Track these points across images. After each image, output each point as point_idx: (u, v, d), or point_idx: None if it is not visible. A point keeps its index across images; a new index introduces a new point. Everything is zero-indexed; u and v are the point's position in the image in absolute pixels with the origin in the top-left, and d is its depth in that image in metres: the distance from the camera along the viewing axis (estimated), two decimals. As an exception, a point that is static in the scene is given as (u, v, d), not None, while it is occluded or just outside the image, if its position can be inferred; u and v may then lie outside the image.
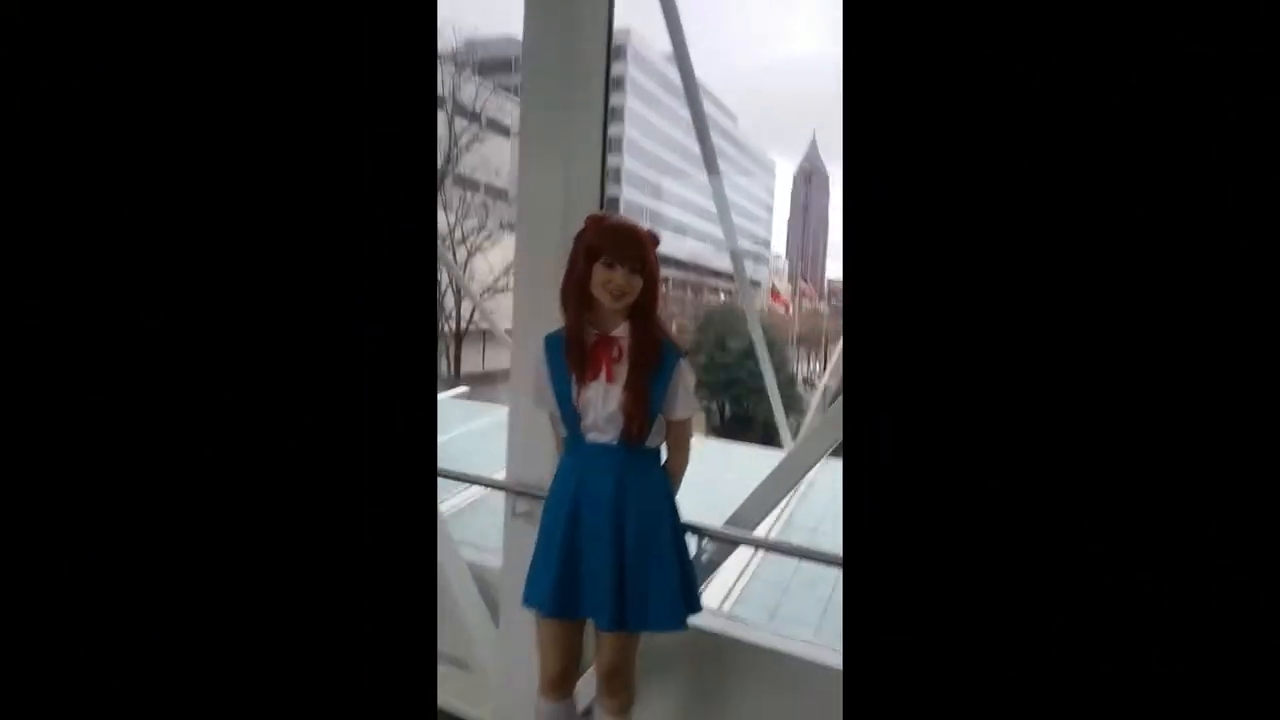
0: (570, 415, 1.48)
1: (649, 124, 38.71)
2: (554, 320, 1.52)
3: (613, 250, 1.42)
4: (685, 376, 1.51)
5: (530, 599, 1.53)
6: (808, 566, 2.78)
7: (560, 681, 1.57)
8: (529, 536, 1.64)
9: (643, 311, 1.47)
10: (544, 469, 1.79)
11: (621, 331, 1.48)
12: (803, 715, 1.71)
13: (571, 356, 1.46)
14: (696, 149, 4.40)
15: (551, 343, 1.51)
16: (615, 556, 1.46)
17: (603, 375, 1.45)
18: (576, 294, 1.47)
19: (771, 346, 6.42)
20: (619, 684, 1.54)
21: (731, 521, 1.72)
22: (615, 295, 1.42)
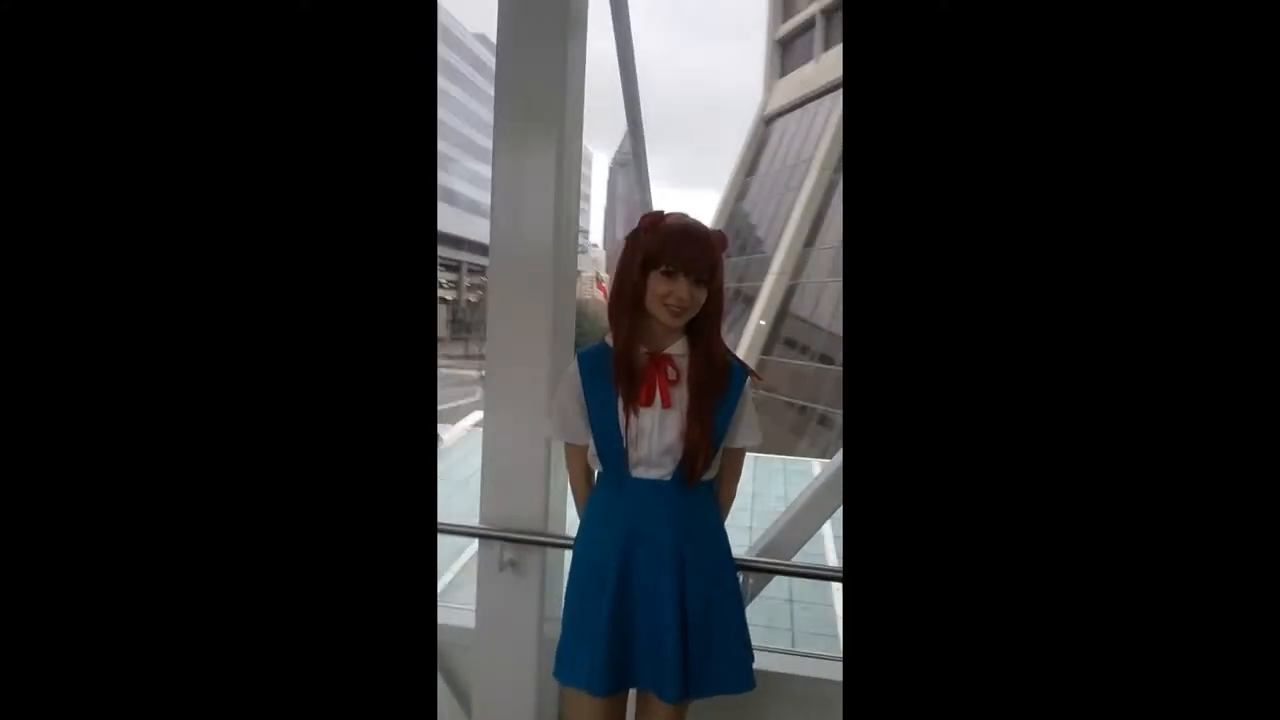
0: (615, 448, 1.23)
1: (458, 104, 37.46)
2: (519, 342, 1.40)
3: (675, 258, 1.18)
4: (750, 400, 1.30)
5: (571, 677, 1.26)
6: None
7: None
8: (514, 589, 1.49)
9: (706, 326, 1.25)
10: (530, 508, 1.58)
11: (678, 349, 1.25)
12: None
13: (621, 378, 1.21)
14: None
15: (588, 361, 1.26)
16: (678, 616, 1.22)
17: (658, 400, 1.22)
18: (631, 308, 1.22)
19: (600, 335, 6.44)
20: None
21: (768, 551, 1.54)
22: (676, 311, 1.19)
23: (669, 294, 1.19)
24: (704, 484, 1.28)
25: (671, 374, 1.23)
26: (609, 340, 1.27)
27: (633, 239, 1.23)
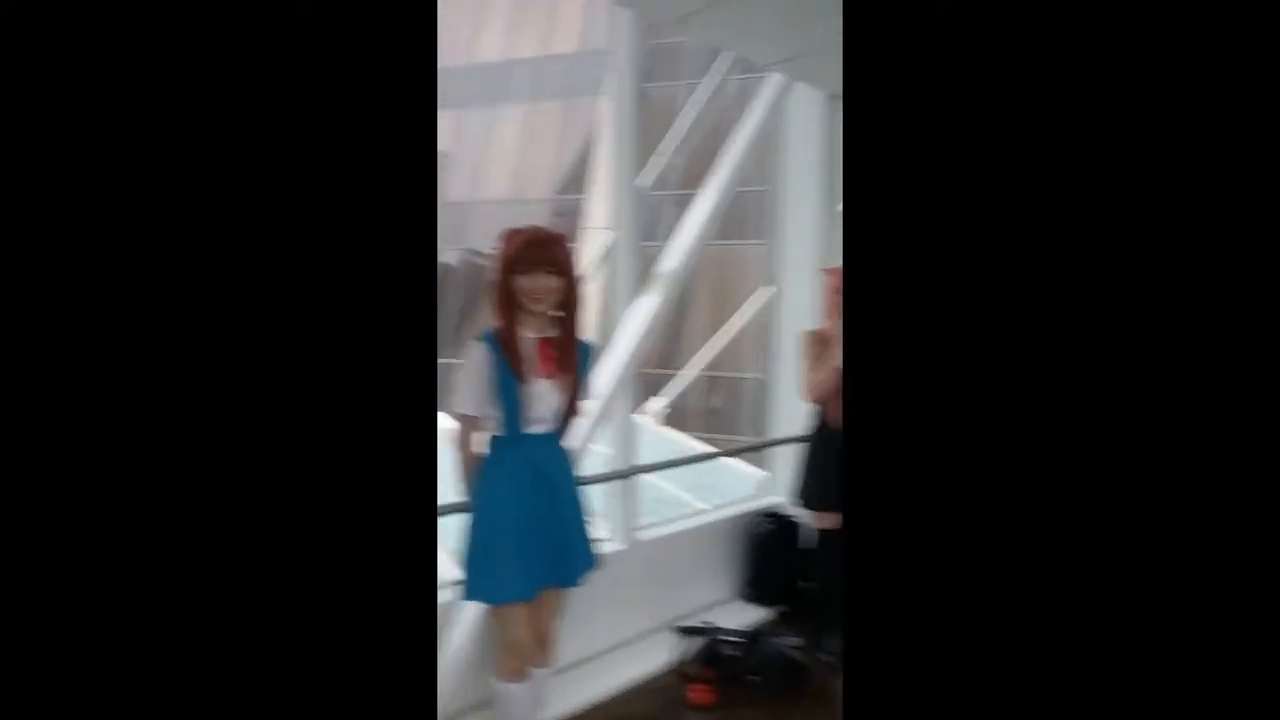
0: (514, 411, 1.58)
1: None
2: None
3: (526, 259, 1.55)
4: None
5: (503, 595, 1.59)
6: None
7: (529, 658, 1.66)
8: None
9: (569, 316, 1.61)
10: None
11: (553, 333, 1.61)
12: None
13: (514, 359, 1.56)
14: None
15: (489, 346, 1.58)
16: (567, 526, 1.65)
17: (546, 373, 1.58)
18: (506, 302, 1.57)
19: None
20: (555, 638, 1.73)
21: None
22: (538, 299, 1.55)
23: (528, 288, 1.55)
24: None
25: (551, 353, 1.59)
26: (494, 330, 1.59)
27: (502, 253, 1.58)
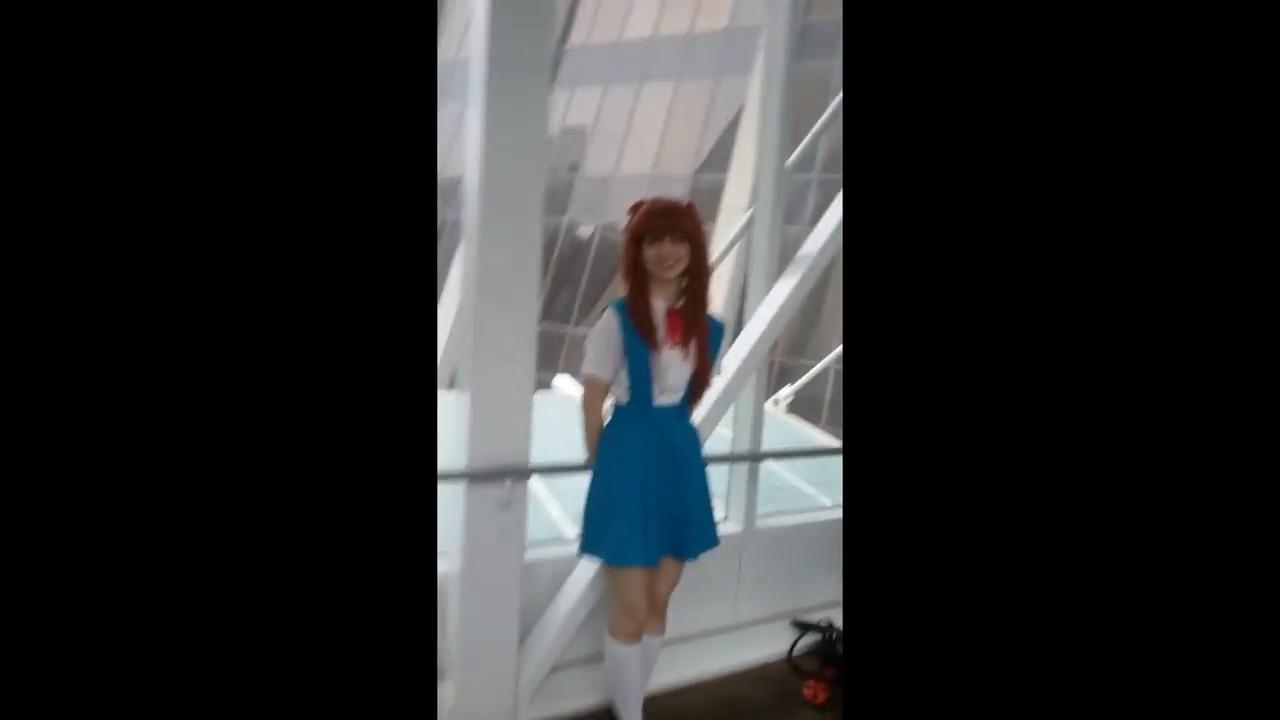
0: (644, 381, 1.61)
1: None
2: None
3: (650, 228, 1.57)
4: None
5: (624, 556, 1.63)
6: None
7: (642, 623, 1.71)
8: (503, 526, 1.69)
9: (697, 286, 1.62)
10: (521, 447, 1.70)
11: (682, 304, 1.63)
12: None
13: (644, 328, 1.58)
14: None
15: (621, 314, 1.61)
16: (691, 500, 1.69)
17: (678, 344, 1.61)
18: (634, 272, 1.61)
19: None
20: (666, 606, 1.79)
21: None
22: (667, 266, 1.58)
23: (655, 256, 1.58)
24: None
25: (680, 323, 1.61)
26: (625, 298, 1.62)
27: (629, 224, 1.62)
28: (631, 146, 13.13)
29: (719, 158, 11.67)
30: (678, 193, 11.92)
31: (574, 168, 13.55)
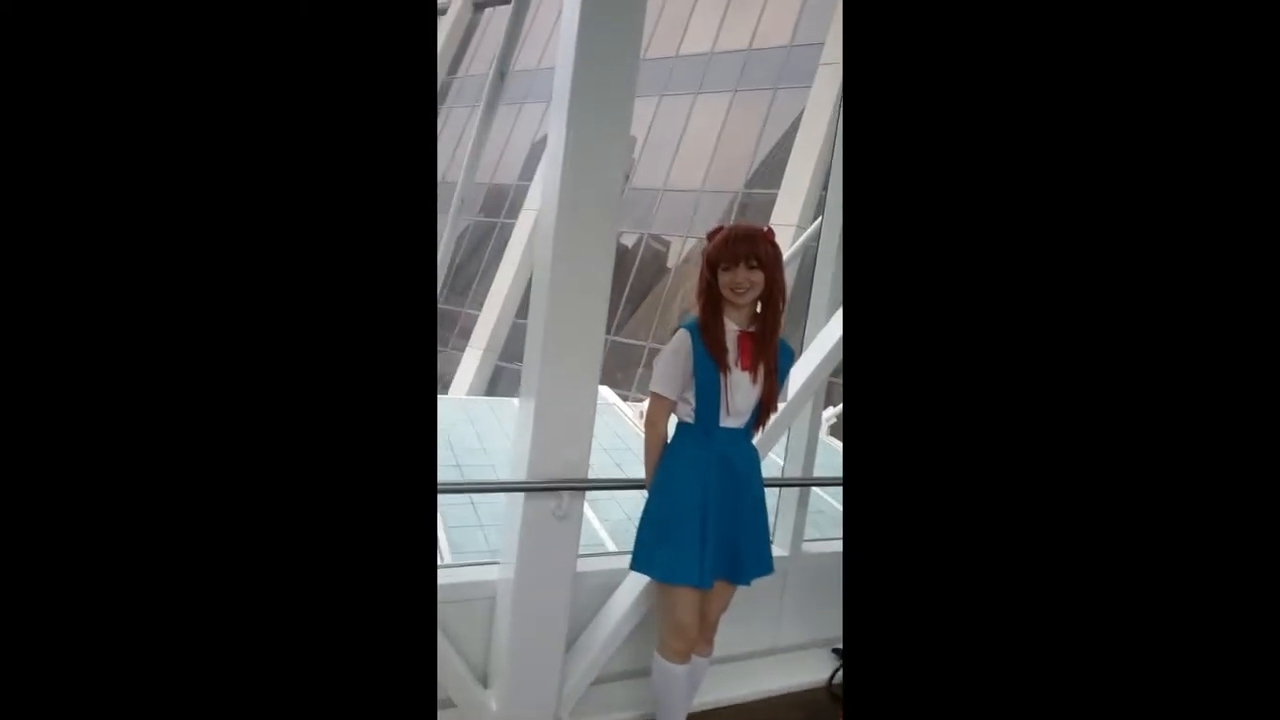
0: (713, 402, 1.62)
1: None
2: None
3: (726, 254, 1.60)
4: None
5: (679, 575, 1.64)
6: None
7: (692, 643, 1.71)
8: (557, 536, 1.69)
9: (771, 312, 1.64)
10: (580, 460, 1.72)
11: (755, 328, 1.64)
12: None
13: (715, 350, 1.59)
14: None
15: (693, 334, 1.63)
16: (750, 525, 1.70)
17: (748, 368, 1.62)
18: (708, 296, 1.63)
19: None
20: (715, 629, 1.80)
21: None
22: (740, 292, 1.59)
23: (729, 281, 1.59)
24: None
25: (751, 347, 1.62)
26: (697, 319, 1.64)
27: (706, 250, 1.65)
28: (682, 158, 13.15)
29: (771, 172, 11.63)
30: (723, 205, 11.87)
31: (624, 178, 13.66)
